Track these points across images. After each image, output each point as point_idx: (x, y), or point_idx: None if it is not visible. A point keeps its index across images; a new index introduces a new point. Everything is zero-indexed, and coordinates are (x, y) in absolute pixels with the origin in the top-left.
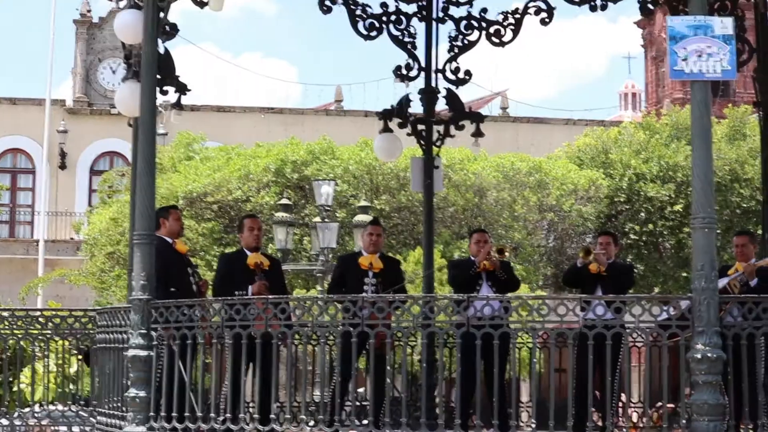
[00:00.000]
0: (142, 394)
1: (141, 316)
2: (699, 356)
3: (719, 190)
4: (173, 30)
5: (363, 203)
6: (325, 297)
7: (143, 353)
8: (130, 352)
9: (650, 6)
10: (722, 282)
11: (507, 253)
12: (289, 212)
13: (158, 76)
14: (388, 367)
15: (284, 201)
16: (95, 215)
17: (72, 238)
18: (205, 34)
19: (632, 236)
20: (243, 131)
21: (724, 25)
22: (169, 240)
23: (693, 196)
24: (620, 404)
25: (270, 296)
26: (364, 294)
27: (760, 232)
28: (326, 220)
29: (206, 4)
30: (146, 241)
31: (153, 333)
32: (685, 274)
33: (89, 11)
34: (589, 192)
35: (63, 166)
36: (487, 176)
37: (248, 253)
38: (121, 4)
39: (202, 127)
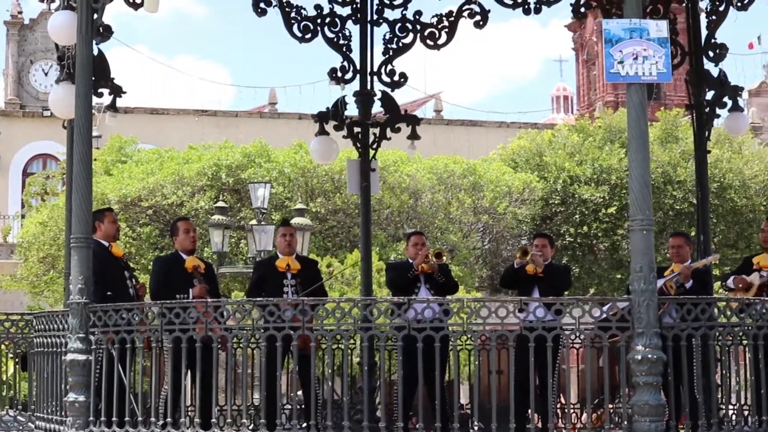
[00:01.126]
0: (81, 398)
1: (79, 320)
2: (639, 357)
3: (652, 193)
4: (107, 31)
5: (298, 206)
6: (245, 300)
7: (82, 357)
8: (69, 357)
9: (583, 9)
10: (658, 283)
11: (444, 258)
12: (224, 215)
13: (92, 78)
14: (329, 370)
15: (220, 204)
16: (29, 218)
17: (6, 241)
18: (138, 37)
19: (567, 238)
20: (177, 134)
21: (659, 27)
22: (105, 243)
23: (630, 198)
24: (559, 405)
25: (210, 300)
26: (284, 296)
27: (693, 233)
28: (262, 222)
29: (141, 5)
30: (83, 244)
31: (91, 337)
32: (619, 276)
33: (20, 13)
34: (524, 194)
35: None
36: (422, 178)
37: (184, 256)
38: (53, 6)
39: (135, 130)
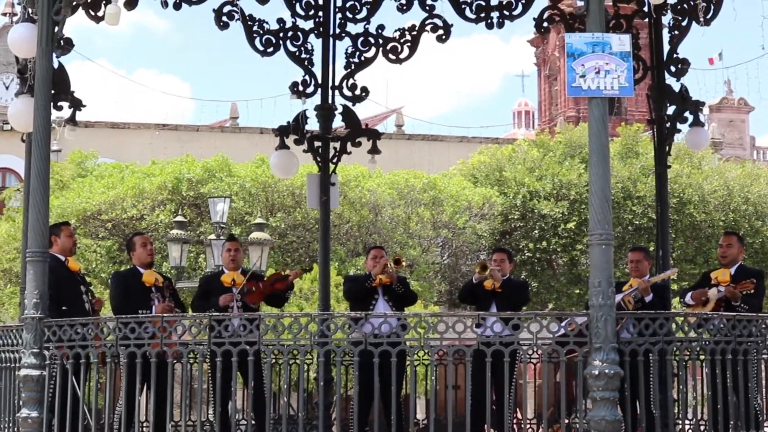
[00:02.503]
0: (34, 414)
1: (33, 335)
2: (596, 372)
3: (612, 208)
4: (68, 44)
5: (258, 220)
6: (195, 315)
7: (35, 373)
8: (22, 372)
9: (546, 24)
10: (617, 298)
11: (404, 263)
12: (183, 229)
13: (52, 91)
14: (285, 386)
15: (179, 218)
16: None
17: None
18: (99, 50)
19: (526, 253)
20: (138, 148)
21: (622, 42)
22: (62, 258)
23: (590, 212)
24: (516, 421)
25: (167, 315)
26: (230, 312)
27: (653, 248)
28: (221, 237)
29: (102, 18)
30: (39, 258)
31: (45, 352)
32: (578, 291)
33: None
34: (484, 209)
35: None
36: (382, 193)
37: (142, 270)
38: (15, 19)
39: (95, 144)
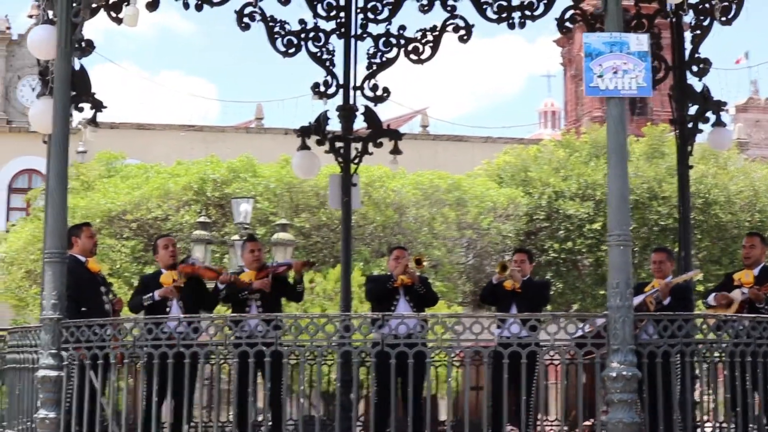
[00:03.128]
0: (51, 415)
1: (51, 336)
2: (614, 374)
3: (637, 208)
4: (89, 46)
5: (281, 221)
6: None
7: (53, 374)
8: (40, 373)
9: (568, 24)
10: (638, 299)
11: (425, 263)
12: (207, 230)
13: (73, 93)
14: (302, 387)
15: (203, 219)
16: (13, 233)
17: None
18: (125, 53)
19: (551, 254)
20: (163, 149)
21: (640, 41)
22: (82, 258)
23: (608, 212)
24: (539, 422)
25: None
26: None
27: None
28: (244, 237)
29: (123, 20)
30: (57, 259)
31: (63, 353)
32: (603, 292)
33: (8, 28)
34: (508, 210)
35: None
36: (407, 194)
37: (164, 272)
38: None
39: (122, 145)
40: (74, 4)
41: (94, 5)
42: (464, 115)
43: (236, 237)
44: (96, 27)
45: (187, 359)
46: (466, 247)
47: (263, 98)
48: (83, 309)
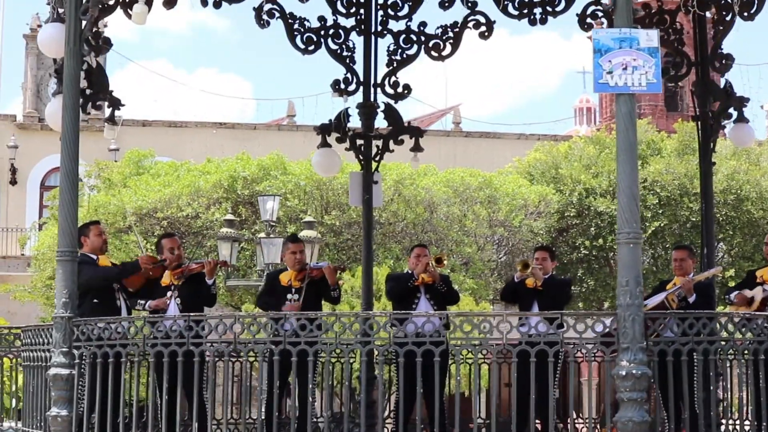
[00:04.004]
0: (63, 413)
1: (63, 334)
2: (624, 373)
3: (669, 205)
4: (106, 44)
5: (307, 218)
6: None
7: (65, 372)
8: (52, 371)
9: (588, 20)
10: (660, 297)
11: (445, 262)
12: (233, 227)
13: (89, 91)
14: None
15: (229, 216)
16: (44, 231)
17: (23, 254)
18: (159, 52)
19: (582, 251)
20: (195, 147)
21: (650, 37)
22: (93, 257)
23: (618, 210)
24: (570, 420)
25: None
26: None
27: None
28: (271, 235)
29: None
30: (68, 258)
31: (75, 351)
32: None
33: (39, 26)
34: (539, 207)
35: (13, 182)
36: (438, 191)
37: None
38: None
39: (153, 143)
40: (83, 2)
41: (106, 3)
42: (501, 114)
43: (262, 234)
44: (126, 26)
45: (188, 357)
46: (497, 244)
47: (297, 94)
48: (95, 301)
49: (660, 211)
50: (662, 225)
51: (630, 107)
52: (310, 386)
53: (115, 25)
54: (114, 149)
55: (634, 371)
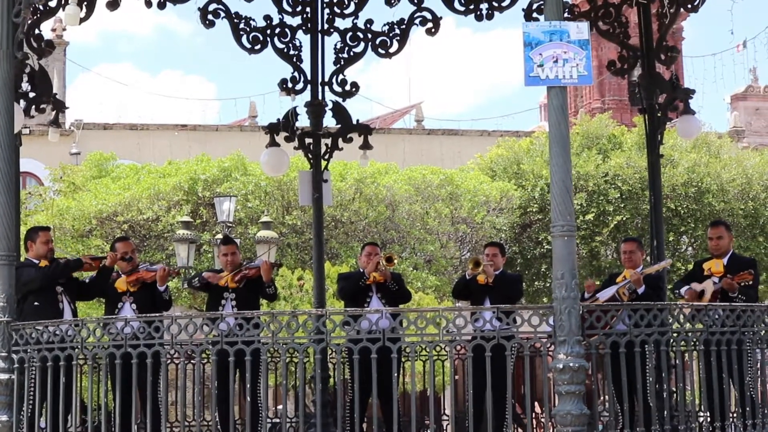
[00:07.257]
0: (4, 418)
1: (1, 339)
2: (561, 366)
3: (631, 198)
4: (49, 47)
5: (264, 219)
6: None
7: (5, 376)
8: None
9: (536, 15)
10: (611, 290)
11: (395, 261)
12: (190, 229)
13: (33, 94)
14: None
15: (185, 218)
16: None
17: None
18: (123, 55)
19: (545, 246)
20: (158, 150)
21: (580, 30)
22: (35, 261)
23: (551, 203)
24: (534, 415)
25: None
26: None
27: (671, 238)
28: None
29: (85, 19)
30: (5, 262)
31: (14, 356)
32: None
33: None
34: (501, 203)
35: None
36: (399, 189)
37: (122, 276)
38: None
39: (115, 146)
40: (15, 5)
41: (46, 5)
42: (466, 111)
43: (220, 236)
44: (92, 29)
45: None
46: (459, 241)
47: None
48: (36, 303)
49: (622, 205)
50: (624, 219)
51: (561, 100)
52: (258, 386)
53: (79, 29)
54: (75, 153)
55: (571, 364)
